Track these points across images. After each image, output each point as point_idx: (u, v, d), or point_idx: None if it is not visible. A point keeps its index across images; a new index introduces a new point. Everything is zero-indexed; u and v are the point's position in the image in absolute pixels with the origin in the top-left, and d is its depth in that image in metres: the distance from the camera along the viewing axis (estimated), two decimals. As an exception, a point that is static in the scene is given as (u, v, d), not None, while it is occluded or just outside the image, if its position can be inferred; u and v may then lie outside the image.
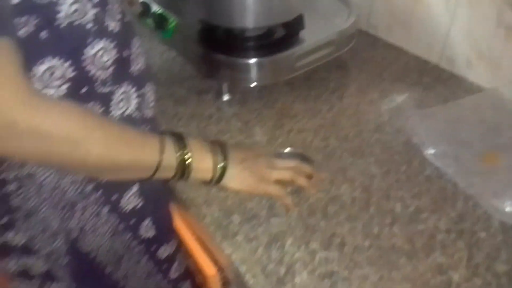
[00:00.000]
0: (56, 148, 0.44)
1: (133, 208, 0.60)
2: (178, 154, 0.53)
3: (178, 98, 0.90)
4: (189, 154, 0.54)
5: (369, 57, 1.02)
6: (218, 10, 0.82)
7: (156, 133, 0.55)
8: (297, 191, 0.68)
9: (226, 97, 0.89)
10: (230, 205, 0.66)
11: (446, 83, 0.92)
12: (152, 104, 0.63)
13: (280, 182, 0.62)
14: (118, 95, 0.54)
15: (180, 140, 0.54)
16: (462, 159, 0.70)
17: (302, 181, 0.64)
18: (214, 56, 0.84)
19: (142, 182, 0.59)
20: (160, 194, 0.65)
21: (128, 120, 0.55)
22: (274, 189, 0.62)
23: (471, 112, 0.80)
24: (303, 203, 0.66)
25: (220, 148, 0.59)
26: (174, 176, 0.54)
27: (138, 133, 0.53)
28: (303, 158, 0.71)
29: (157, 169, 0.52)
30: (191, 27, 0.91)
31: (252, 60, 0.82)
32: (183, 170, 0.54)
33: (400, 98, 0.88)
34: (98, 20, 0.48)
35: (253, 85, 0.85)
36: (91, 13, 0.47)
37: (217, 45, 0.86)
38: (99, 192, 0.55)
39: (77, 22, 0.46)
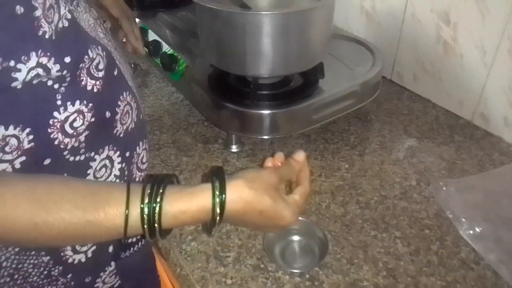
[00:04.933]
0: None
1: None
2: (144, 205, 0.39)
3: (182, 146, 0.82)
4: (160, 205, 0.39)
5: (393, 109, 0.93)
6: (229, 57, 0.74)
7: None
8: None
9: (234, 148, 0.80)
10: (230, 285, 0.57)
11: (480, 143, 0.83)
12: (145, 165, 0.55)
13: None
14: (97, 162, 0.46)
15: (152, 188, 0.40)
16: (505, 243, 0.60)
17: None
18: (223, 105, 0.76)
19: (119, 258, 0.51)
20: (142, 270, 0.56)
21: None
22: None
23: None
24: (316, 288, 0.56)
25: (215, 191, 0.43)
26: (144, 234, 0.40)
27: (98, 188, 0.40)
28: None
29: (125, 229, 0.39)
30: (201, 71, 0.84)
31: (265, 112, 0.74)
32: (151, 226, 0.39)
33: (429, 159, 0.79)
34: (65, 78, 0.40)
35: (265, 137, 0.77)
36: (58, 73, 0.38)
37: (228, 93, 0.78)
38: (69, 276, 0.47)
39: (37, 81, 0.38)
